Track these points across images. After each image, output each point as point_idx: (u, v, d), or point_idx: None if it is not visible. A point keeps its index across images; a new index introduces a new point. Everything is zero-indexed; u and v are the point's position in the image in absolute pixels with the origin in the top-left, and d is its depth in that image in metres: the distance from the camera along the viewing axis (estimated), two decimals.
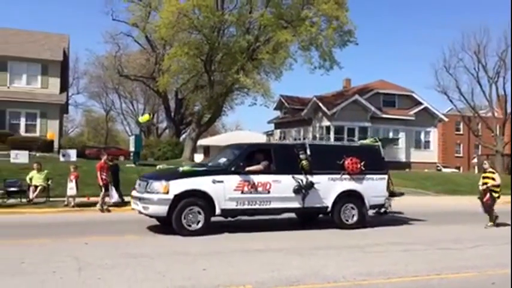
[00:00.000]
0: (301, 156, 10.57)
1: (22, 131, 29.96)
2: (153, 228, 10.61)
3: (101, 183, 14.04)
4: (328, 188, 10.85)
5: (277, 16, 26.32)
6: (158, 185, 9.66)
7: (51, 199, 14.83)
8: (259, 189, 10.17)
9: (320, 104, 34.52)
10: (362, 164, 11.05)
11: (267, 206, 10.34)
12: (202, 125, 31.28)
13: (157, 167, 11.18)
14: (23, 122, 30.23)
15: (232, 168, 10.13)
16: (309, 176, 10.50)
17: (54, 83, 31.57)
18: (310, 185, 10.45)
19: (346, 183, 11.06)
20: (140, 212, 10.08)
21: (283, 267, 7.02)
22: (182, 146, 33.44)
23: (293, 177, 10.38)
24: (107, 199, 14.24)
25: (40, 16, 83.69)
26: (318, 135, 35.23)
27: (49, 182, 15.09)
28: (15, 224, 11.31)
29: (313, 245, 9.09)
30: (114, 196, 14.63)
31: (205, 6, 24.20)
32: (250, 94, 30.01)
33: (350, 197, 11.11)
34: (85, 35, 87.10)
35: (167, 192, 9.50)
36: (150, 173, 12.45)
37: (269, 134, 46.71)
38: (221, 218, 10.49)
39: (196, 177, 9.95)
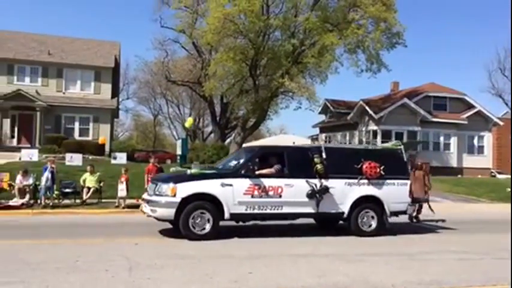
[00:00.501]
0: (315, 159, 10.21)
1: (76, 134, 31.43)
2: None
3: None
4: (345, 193, 10.42)
5: (322, 19, 26.09)
6: (166, 188, 9.48)
7: (103, 200, 15.40)
8: (270, 193, 9.83)
9: (367, 108, 33.89)
10: (382, 168, 10.57)
11: (279, 211, 9.96)
12: (247, 129, 31.47)
13: (171, 169, 10.85)
14: (77, 126, 31.72)
15: (242, 171, 9.85)
16: (323, 180, 10.13)
17: (106, 88, 32.93)
18: (325, 190, 10.07)
19: (364, 188, 10.58)
20: (149, 215, 9.91)
21: (331, 273, 6.92)
22: (227, 150, 33.78)
23: (307, 181, 10.03)
24: None
25: (94, 24, 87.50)
26: (364, 140, 34.59)
27: (101, 184, 15.69)
28: (70, 224, 11.79)
29: (360, 251, 8.90)
30: None
31: (250, 11, 24.37)
32: (295, 98, 29.85)
33: (368, 202, 10.62)
34: (135, 42, 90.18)
35: (174, 195, 9.31)
36: (162, 175, 12.34)
37: (314, 138, 46.34)
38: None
39: (205, 180, 9.68)
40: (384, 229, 10.79)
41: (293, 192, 9.97)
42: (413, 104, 33.40)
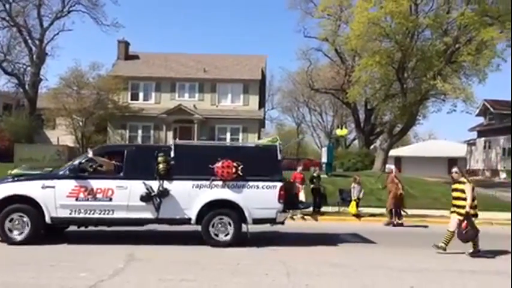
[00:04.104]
0: (158, 159, 9.10)
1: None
2: (348, 239, 10.58)
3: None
4: (192, 196, 9.15)
5: (480, 13, 23.73)
6: None
7: None
8: (99, 196, 8.97)
9: None
10: (239, 168, 9.10)
11: (109, 216, 9.03)
12: (395, 135, 30.12)
13: (9, 171, 10.00)
14: (228, 136, 34.03)
15: (67, 172, 9.12)
16: (166, 182, 9.03)
17: (254, 100, 34.75)
18: (164, 193, 8.98)
19: (216, 192, 9.21)
20: None
21: None
22: (372, 157, 32.74)
23: (143, 183, 8.98)
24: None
25: (244, 40, 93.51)
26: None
27: None
28: None
29: None
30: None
31: (398, 13, 23.35)
32: (449, 100, 27.63)
33: (223, 208, 9.23)
34: (280, 54, 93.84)
35: None
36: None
37: (470, 143, 42.22)
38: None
39: (25, 181, 9.14)
40: (245, 239, 9.23)
41: (126, 195, 9.02)
42: None
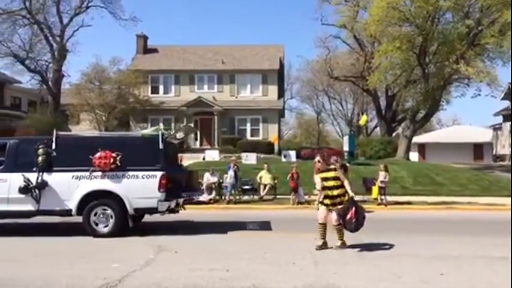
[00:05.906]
0: (39, 151, 9.25)
1: (248, 135, 33.86)
2: (378, 228, 10.53)
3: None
4: (72, 187, 9.27)
5: None
6: None
7: (277, 196, 16.21)
8: None
9: None
10: (118, 158, 9.19)
11: None
12: (417, 122, 29.71)
13: None
14: (248, 127, 34.19)
15: None
16: (46, 174, 9.20)
17: (273, 90, 34.75)
18: (43, 185, 9.15)
19: (96, 182, 9.28)
20: None
21: None
22: (395, 144, 32.40)
23: (22, 175, 9.12)
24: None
25: (261, 30, 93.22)
26: None
27: (275, 181, 16.53)
28: (250, 219, 12.64)
29: None
30: None
31: None
32: (472, 84, 27.12)
33: (103, 198, 9.27)
34: (297, 43, 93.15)
35: None
36: None
37: (496, 128, 41.32)
38: None
39: None
40: (125, 228, 9.29)
41: (6, 188, 9.21)
42: None
